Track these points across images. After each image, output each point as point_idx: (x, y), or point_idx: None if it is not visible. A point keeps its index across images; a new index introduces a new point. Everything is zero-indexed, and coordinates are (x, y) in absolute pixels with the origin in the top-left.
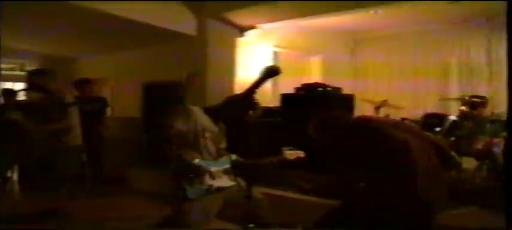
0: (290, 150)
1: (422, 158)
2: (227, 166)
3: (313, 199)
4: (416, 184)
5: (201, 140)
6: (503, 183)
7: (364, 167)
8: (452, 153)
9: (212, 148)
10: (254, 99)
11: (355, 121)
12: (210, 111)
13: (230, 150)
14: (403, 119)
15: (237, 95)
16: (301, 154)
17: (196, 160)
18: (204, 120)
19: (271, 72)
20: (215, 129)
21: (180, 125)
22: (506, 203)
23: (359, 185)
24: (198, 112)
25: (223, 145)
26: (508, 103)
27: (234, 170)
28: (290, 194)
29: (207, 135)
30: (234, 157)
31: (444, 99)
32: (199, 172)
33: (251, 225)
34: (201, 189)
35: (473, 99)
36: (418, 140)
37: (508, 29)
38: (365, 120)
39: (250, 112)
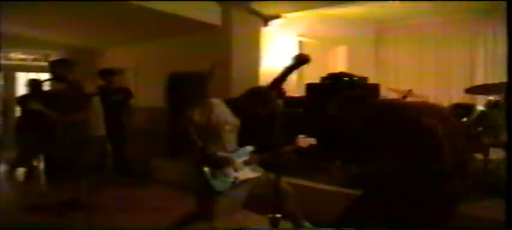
0: (303, 137)
1: (449, 145)
2: (246, 157)
3: (340, 189)
4: (442, 172)
5: (222, 133)
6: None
7: (387, 153)
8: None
9: (233, 140)
10: (282, 88)
11: (381, 103)
12: (232, 103)
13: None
14: None
15: (258, 86)
16: (313, 141)
17: (219, 153)
18: (224, 113)
19: (301, 60)
20: (236, 121)
21: (199, 118)
22: (506, 204)
23: (382, 174)
24: (219, 104)
25: None
26: (508, 103)
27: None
28: (316, 184)
29: (228, 127)
30: (250, 148)
31: (470, 89)
32: (223, 165)
33: (278, 215)
34: (227, 182)
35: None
36: (446, 125)
37: (508, 29)
38: (391, 103)
39: (278, 101)
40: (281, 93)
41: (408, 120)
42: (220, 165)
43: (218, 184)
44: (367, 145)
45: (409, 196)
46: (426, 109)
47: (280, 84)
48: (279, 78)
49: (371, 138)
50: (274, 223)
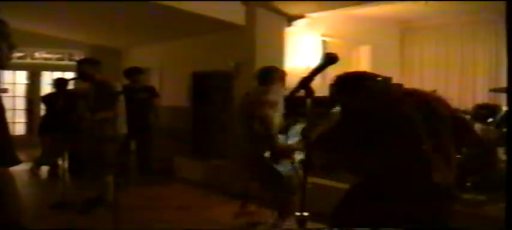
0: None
1: (430, 133)
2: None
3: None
4: (422, 161)
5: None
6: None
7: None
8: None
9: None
10: (311, 88)
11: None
12: None
13: None
14: None
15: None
16: None
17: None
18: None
19: (330, 60)
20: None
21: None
22: (506, 204)
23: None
24: None
25: None
26: (508, 103)
27: None
28: (335, 183)
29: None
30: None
31: (495, 90)
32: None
33: (306, 214)
34: (289, 164)
35: None
36: (427, 111)
37: (507, 29)
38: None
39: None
40: (310, 93)
41: (389, 106)
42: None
43: (282, 167)
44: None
45: (395, 188)
46: (408, 95)
47: (309, 83)
48: (308, 78)
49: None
50: (301, 222)
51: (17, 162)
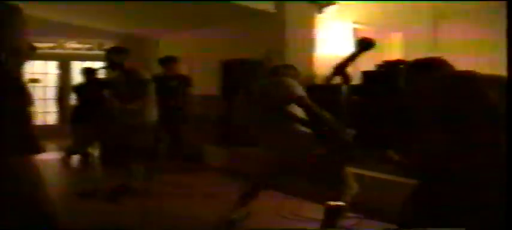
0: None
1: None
2: None
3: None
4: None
5: None
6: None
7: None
8: None
9: None
10: (347, 74)
11: (455, 74)
12: None
13: None
14: None
15: None
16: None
17: None
18: None
19: (366, 45)
20: None
21: None
22: (507, 204)
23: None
24: None
25: None
26: (508, 102)
27: None
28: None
29: None
30: None
31: None
32: None
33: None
34: None
35: None
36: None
37: (507, 28)
38: (463, 74)
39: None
40: (347, 79)
41: (477, 92)
42: None
43: None
44: (425, 122)
45: (466, 187)
46: (494, 81)
47: (344, 69)
48: (343, 64)
49: (435, 113)
50: (329, 211)
51: (38, 150)
